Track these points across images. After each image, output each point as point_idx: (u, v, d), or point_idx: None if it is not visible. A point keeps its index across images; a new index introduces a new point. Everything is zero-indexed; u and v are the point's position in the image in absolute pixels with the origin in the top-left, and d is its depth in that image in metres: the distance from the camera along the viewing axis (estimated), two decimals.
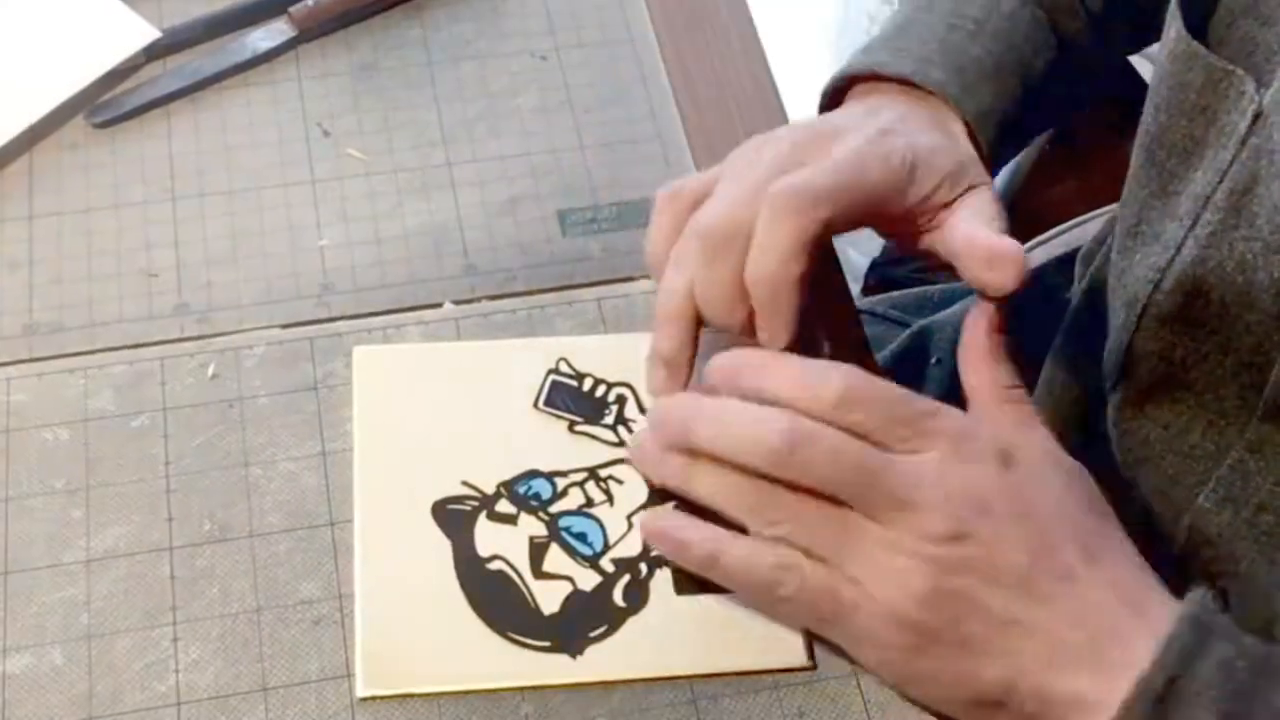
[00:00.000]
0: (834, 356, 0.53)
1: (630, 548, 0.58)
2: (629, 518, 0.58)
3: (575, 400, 0.61)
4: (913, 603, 0.48)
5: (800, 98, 0.81)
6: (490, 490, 0.59)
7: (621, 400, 0.61)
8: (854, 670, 0.55)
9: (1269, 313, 0.51)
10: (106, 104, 0.70)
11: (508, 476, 0.59)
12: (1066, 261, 0.78)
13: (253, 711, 0.53)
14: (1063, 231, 0.91)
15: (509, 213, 0.67)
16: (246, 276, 0.65)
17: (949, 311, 0.82)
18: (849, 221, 0.54)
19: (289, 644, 0.55)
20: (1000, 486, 0.50)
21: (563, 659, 0.55)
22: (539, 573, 0.56)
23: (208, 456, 0.59)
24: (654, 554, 0.57)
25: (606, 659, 0.55)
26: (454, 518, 0.58)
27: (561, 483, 0.59)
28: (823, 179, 0.53)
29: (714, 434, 0.50)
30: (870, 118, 0.57)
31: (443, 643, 0.55)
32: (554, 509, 0.58)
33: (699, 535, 0.52)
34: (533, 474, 0.59)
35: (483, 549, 0.57)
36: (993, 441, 0.51)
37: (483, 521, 0.58)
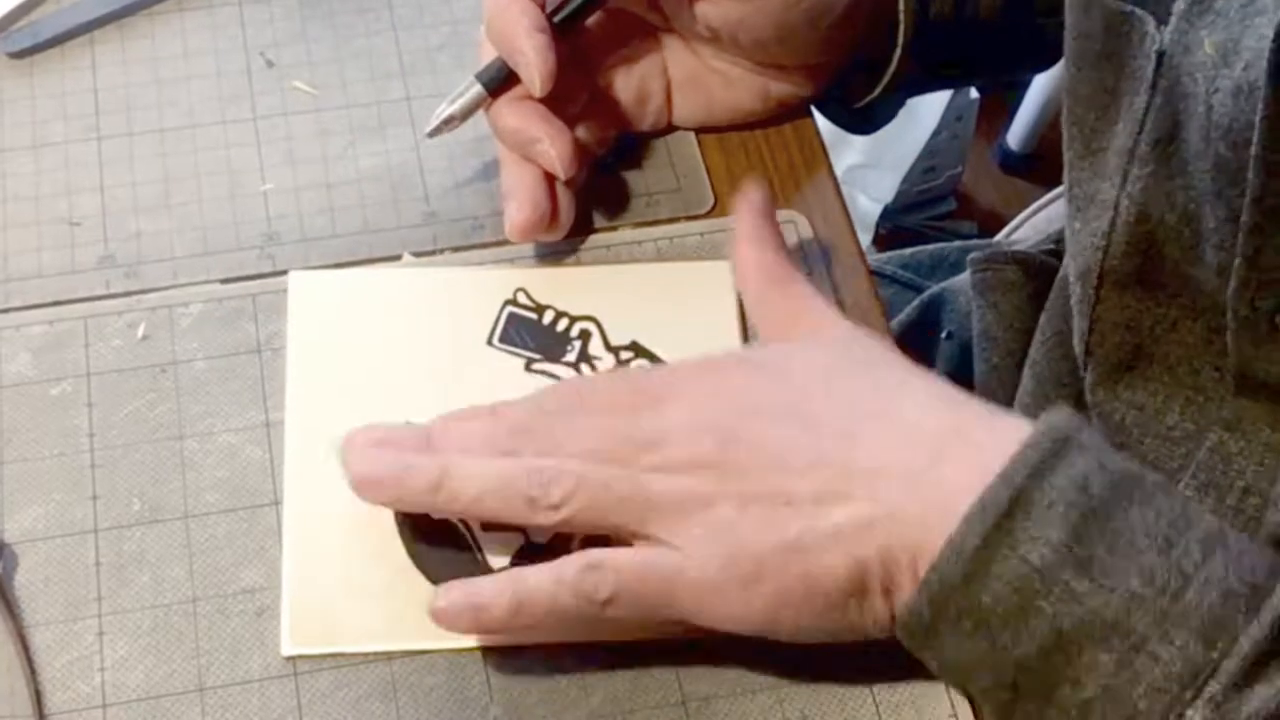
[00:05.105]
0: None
1: None
2: None
3: (533, 335, 0.59)
4: (721, 537, 0.48)
5: None
6: None
7: (585, 336, 0.59)
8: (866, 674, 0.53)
9: (1210, 265, 0.50)
10: (22, 31, 0.68)
11: None
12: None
13: (188, 714, 0.52)
14: (1050, 201, 0.88)
15: (475, 153, 0.66)
16: (180, 226, 0.64)
17: (963, 277, 0.79)
18: None
19: (228, 638, 0.54)
20: (747, 381, 0.50)
21: None
22: (488, 524, 0.54)
23: (137, 427, 0.58)
24: None
25: None
26: None
27: None
28: None
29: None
30: None
31: (379, 597, 0.53)
32: None
33: (493, 586, 0.50)
34: None
35: None
36: (740, 353, 0.51)
37: None
